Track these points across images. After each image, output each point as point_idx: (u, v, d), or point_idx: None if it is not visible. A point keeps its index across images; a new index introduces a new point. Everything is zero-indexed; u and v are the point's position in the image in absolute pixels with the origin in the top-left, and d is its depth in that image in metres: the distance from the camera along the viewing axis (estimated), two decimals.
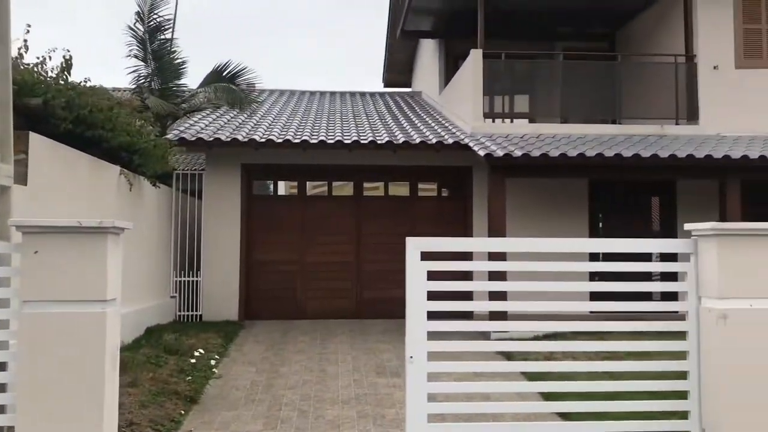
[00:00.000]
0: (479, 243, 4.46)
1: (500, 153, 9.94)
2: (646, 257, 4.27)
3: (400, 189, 12.49)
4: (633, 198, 12.49)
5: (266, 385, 7.84)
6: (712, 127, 11.95)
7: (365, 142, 11.01)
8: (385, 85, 21.78)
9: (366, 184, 12.32)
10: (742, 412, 4.00)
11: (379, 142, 11.01)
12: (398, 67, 20.59)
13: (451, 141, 11.08)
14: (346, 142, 11.00)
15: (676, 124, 12.16)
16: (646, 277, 4.48)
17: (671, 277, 4.59)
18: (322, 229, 12.05)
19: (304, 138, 11.07)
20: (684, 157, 10.02)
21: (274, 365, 8.78)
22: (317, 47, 53.10)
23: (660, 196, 12.48)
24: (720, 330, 4.08)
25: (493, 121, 12.42)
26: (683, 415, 4.30)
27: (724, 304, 4.10)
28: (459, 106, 13.03)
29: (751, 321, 4.07)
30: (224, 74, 12.14)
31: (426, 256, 4.36)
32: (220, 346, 9.47)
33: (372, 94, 18.08)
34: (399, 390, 7.63)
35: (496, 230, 10.19)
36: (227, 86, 11.87)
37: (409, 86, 20.99)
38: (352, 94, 17.97)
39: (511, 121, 13.15)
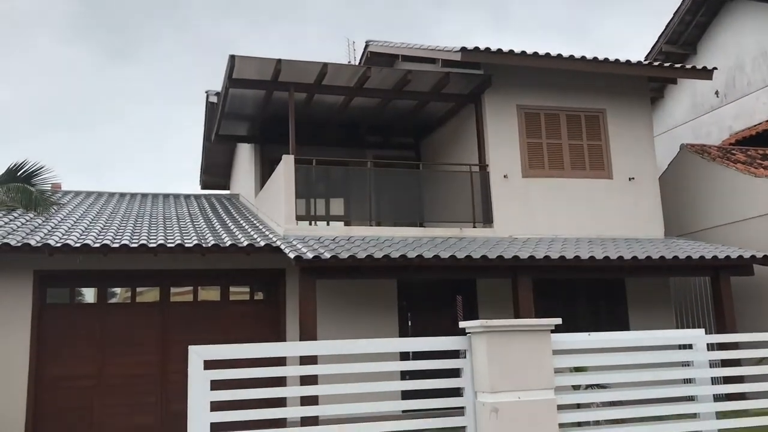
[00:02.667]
0: (261, 348, 4.44)
1: (310, 255, 10.08)
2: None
3: (211, 293, 12.16)
4: (439, 296, 13.11)
5: None
6: (504, 230, 13.01)
7: (172, 245, 10.69)
8: (203, 187, 21.50)
9: (174, 290, 11.86)
10: None
11: (187, 245, 10.74)
12: (216, 169, 20.50)
13: (263, 244, 11.07)
14: (151, 246, 10.61)
15: (474, 227, 13.10)
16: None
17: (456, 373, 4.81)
18: (124, 340, 11.31)
19: (105, 242, 10.53)
20: (479, 258, 10.75)
21: None
22: (137, 144, 51.60)
23: (463, 294, 13.20)
24: (494, 424, 4.31)
25: (311, 224, 12.65)
26: None
27: (495, 398, 4.36)
28: (273, 209, 13.15)
29: (519, 413, 4.35)
30: (19, 174, 11.33)
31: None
32: None
33: (187, 197, 17.75)
34: None
35: (307, 332, 10.16)
36: (22, 186, 11.06)
37: (227, 188, 20.91)
38: (166, 196, 17.53)
39: (327, 224, 13.47)
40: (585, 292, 13.35)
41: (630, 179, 13.90)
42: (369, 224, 12.74)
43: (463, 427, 4.53)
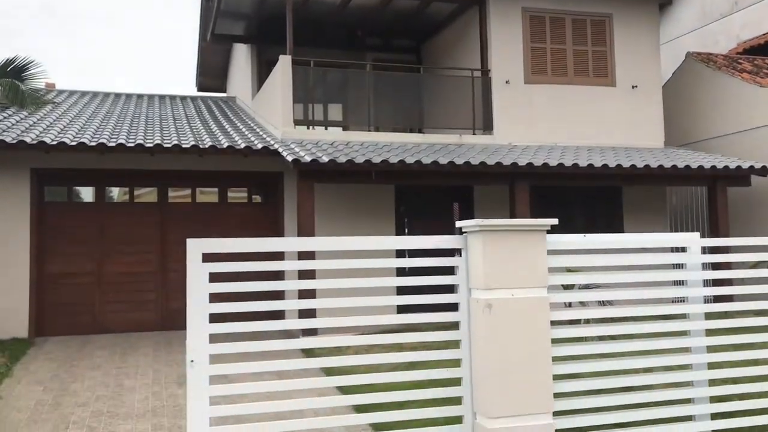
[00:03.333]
0: (260, 243, 4.45)
1: (308, 159, 10.04)
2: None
3: (209, 195, 12.19)
4: (436, 203, 13.14)
5: (53, 404, 7.27)
6: (504, 137, 12.91)
7: (169, 146, 10.62)
8: (199, 89, 21.18)
9: (172, 191, 11.87)
10: (507, 393, 4.34)
11: (184, 146, 10.66)
12: (212, 71, 20.12)
13: (260, 146, 11.00)
14: (147, 145, 10.53)
15: (473, 134, 13.00)
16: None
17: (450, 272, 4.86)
18: (123, 238, 11.42)
19: (101, 141, 10.45)
20: (477, 164, 10.72)
21: (65, 383, 8.17)
22: (127, 46, 50.45)
23: (460, 201, 13.23)
24: (486, 318, 4.40)
25: (308, 128, 12.51)
26: (458, 401, 4.59)
27: (489, 295, 4.43)
28: (270, 112, 12.99)
29: (512, 309, 4.43)
30: (9, 69, 11.12)
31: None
32: (2, 366, 8.65)
33: (183, 98, 17.50)
34: None
35: (305, 234, 10.26)
36: (12, 83, 10.88)
37: (224, 91, 20.59)
38: (161, 97, 17.28)
39: (326, 129, 13.35)
40: (581, 200, 13.39)
41: (633, 87, 13.69)
42: (368, 130, 12.61)
43: (457, 323, 4.64)
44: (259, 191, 12.54)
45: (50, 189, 11.34)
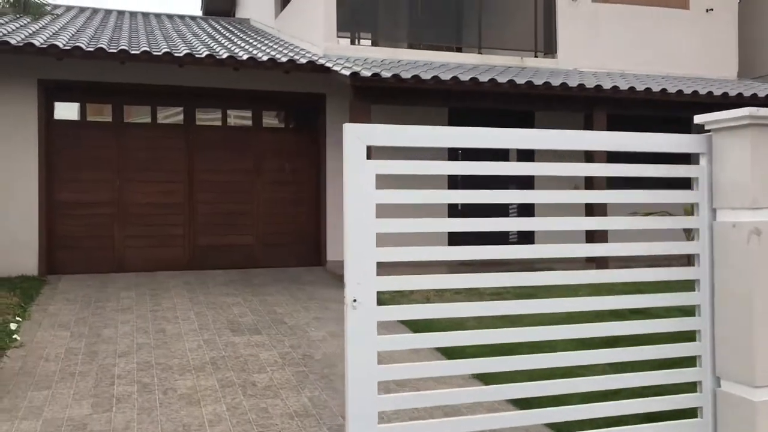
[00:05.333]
0: (449, 132, 3.06)
1: (367, 73, 8.61)
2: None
3: (241, 119, 10.71)
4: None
5: (88, 353, 5.99)
6: (568, 61, 11.54)
7: (201, 56, 9.09)
8: (205, 13, 19.40)
9: (199, 112, 10.38)
10: None
11: (219, 56, 9.14)
12: None
13: (304, 61, 9.51)
14: (176, 54, 8.99)
15: (535, 56, 11.62)
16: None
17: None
18: (145, 164, 9.97)
19: (122, 47, 8.89)
20: (557, 86, 9.36)
21: (95, 328, 6.87)
22: None
23: None
24: (752, 249, 3.13)
25: (353, 43, 10.99)
26: (692, 362, 3.36)
27: (757, 216, 3.16)
28: (305, 27, 11.44)
29: None
30: None
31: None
32: (16, 307, 7.31)
33: (193, 18, 15.78)
34: (264, 350, 6.19)
35: None
36: None
37: (232, 15, 18.83)
38: (169, 16, 15.53)
39: (372, 45, 11.80)
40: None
41: (708, 11, 12.29)
42: (419, 48, 11.14)
43: (689, 257, 3.38)
44: (298, 115, 11.08)
45: (61, 105, 9.79)
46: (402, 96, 9.18)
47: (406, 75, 8.74)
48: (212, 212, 10.19)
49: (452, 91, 9.22)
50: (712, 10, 12.27)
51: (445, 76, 8.91)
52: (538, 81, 9.36)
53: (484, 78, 9.06)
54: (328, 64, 9.37)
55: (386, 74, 8.66)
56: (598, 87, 9.50)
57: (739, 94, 10.31)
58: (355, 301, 2.89)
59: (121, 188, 9.87)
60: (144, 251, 9.90)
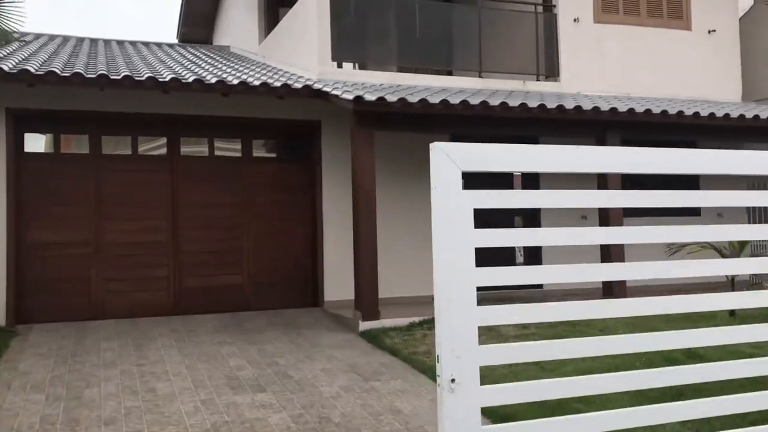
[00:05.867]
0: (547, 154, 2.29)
1: (372, 98, 7.94)
2: None
3: (229, 148, 9.94)
4: None
5: (67, 422, 5.11)
6: (571, 85, 11.02)
7: (188, 81, 8.34)
8: (181, 41, 18.65)
9: (185, 142, 9.59)
10: None
11: (207, 81, 8.40)
12: (198, 20, 17.65)
13: (299, 85, 8.81)
14: (161, 80, 8.23)
15: (537, 80, 11.08)
16: None
17: None
18: (125, 199, 9.13)
19: (101, 72, 8.11)
20: (571, 109, 8.79)
21: (74, 388, 5.98)
22: None
23: None
24: None
25: (349, 68, 10.35)
26: None
27: None
28: (296, 52, 10.78)
29: None
30: None
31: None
32: None
33: (170, 45, 15.03)
34: (273, 412, 5.36)
35: (363, 194, 8.19)
36: None
37: (210, 42, 18.13)
38: (145, 43, 14.77)
39: (364, 70, 11.15)
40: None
41: (710, 32, 11.93)
42: (416, 72, 10.53)
43: None
44: (291, 145, 10.34)
45: (32, 136, 8.94)
46: (408, 122, 8.53)
47: (413, 99, 8.08)
48: (199, 251, 9.36)
49: (460, 116, 8.59)
50: (714, 31, 11.92)
51: (454, 100, 8.28)
52: (550, 104, 8.78)
53: (494, 101, 8.45)
54: (325, 89, 8.68)
55: (392, 98, 8.00)
56: (614, 109, 8.95)
57: (756, 116, 9.85)
58: (453, 381, 2.14)
59: (98, 226, 8.99)
60: (125, 295, 9.00)
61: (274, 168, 9.91)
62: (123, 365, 6.75)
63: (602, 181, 8.93)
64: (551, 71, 11.16)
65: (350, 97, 7.91)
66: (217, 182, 9.52)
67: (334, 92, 8.39)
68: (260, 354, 7.23)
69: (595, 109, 8.88)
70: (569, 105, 9.01)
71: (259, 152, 9.99)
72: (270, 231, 9.71)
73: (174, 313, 9.12)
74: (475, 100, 8.40)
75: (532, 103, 8.62)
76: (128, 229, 9.08)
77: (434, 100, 8.20)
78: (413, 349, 7.29)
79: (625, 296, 9.38)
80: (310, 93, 8.79)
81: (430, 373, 6.36)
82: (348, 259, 9.40)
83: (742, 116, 9.60)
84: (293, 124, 9.81)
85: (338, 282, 9.68)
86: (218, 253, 9.44)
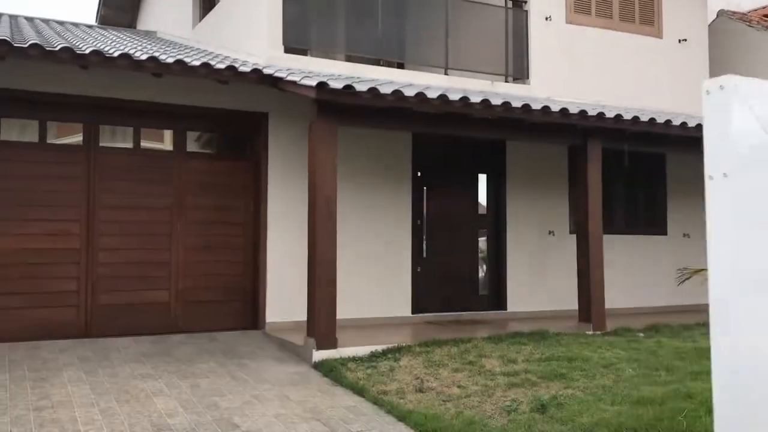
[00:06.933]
0: None
1: (338, 85, 6.71)
2: None
3: (159, 140, 8.46)
4: (458, 170, 10.13)
5: None
6: (542, 88, 10.13)
7: (113, 55, 6.85)
8: (101, 23, 16.84)
9: (105, 130, 8.04)
10: None
11: (136, 57, 6.94)
12: (120, 1, 15.96)
13: (247, 69, 7.46)
14: (79, 52, 6.72)
15: (506, 81, 10.14)
16: None
17: None
18: (27, 197, 7.52)
19: (2, 37, 6.53)
20: (556, 112, 7.84)
21: None
22: None
23: (488, 170, 10.30)
24: None
25: (302, 55, 9.06)
26: None
27: None
28: (239, 35, 9.41)
29: None
30: None
31: None
32: None
33: (89, 26, 13.30)
34: None
35: (322, 196, 6.94)
36: None
37: (134, 27, 16.42)
38: (60, 22, 12.98)
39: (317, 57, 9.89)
40: (625, 171, 10.83)
41: (681, 41, 11.34)
42: (379, 64, 9.37)
43: None
44: (232, 139, 8.95)
45: None
46: (376, 116, 7.35)
47: (386, 90, 6.91)
48: (118, 262, 7.84)
49: (436, 114, 7.50)
50: (685, 40, 11.33)
51: (432, 94, 7.17)
52: (536, 106, 7.80)
53: (476, 99, 7.39)
54: (279, 74, 7.38)
55: (361, 87, 6.80)
56: (600, 114, 8.06)
57: None
58: None
59: None
60: (22, 314, 7.38)
61: (212, 165, 8.49)
62: (17, 408, 5.23)
63: None
64: (520, 73, 10.25)
65: (312, 83, 6.65)
66: (143, 180, 8.04)
67: (291, 78, 7.11)
68: (194, 392, 5.84)
69: (582, 112, 7.98)
70: (555, 108, 8.06)
71: (194, 146, 8.54)
72: (204, 239, 8.30)
73: (85, 335, 7.56)
74: (454, 96, 7.32)
75: (516, 103, 7.61)
76: (29, 233, 7.47)
77: (410, 92, 7.05)
78: (382, 386, 6.08)
79: (604, 321, 8.51)
80: (260, 78, 7.46)
81: (409, 421, 5.18)
82: (296, 273, 8.15)
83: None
84: (235, 115, 8.45)
85: (283, 301, 8.38)
86: (141, 264, 7.94)
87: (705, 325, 8.15)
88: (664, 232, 11.19)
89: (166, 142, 8.38)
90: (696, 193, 11.40)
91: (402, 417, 5.27)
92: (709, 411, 4.73)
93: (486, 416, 5.21)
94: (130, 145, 8.13)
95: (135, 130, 8.13)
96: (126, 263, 7.89)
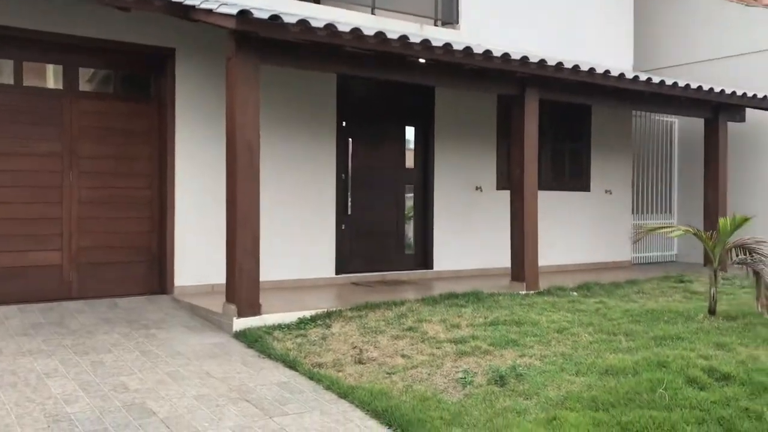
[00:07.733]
0: None
1: (263, 15, 5.83)
2: None
3: (46, 77, 7.23)
4: (384, 121, 9.42)
5: None
6: (472, 34, 9.57)
7: None
8: None
9: None
10: None
11: None
12: None
13: None
14: None
15: (435, 25, 9.51)
16: None
17: None
18: None
19: None
20: (498, 57, 7.28)
21: None
22: None
23: (416, 121, 9.65)
24: None
25: None
26: None
27: None
28: None
29: None
30: None
31: None
32: None
33: None
34: None
35: (245, 148, 6.09)
36: None
37: None
38: None
39: None
40: (550, 124, 10.49)
41: None
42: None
43: None
44: (133, 78, 7.80)
45: None
46: (303, 54, 6.52)
47: (318, 24, 6.08)
48: (0, 218, 6.70)
49: (369, 55, 6.77)
50: None
51: (368, 31, 6.42)
52: (477, 50, 7.20)
53: (415, 39, 6.70)
54: (190, 2, 6.38)
55: (289, 19, 5.94)
56: (542, 61, 7.57)
57: (674, 83, 8.98)
58: None
59: None
60: None
61: (109, 107, 7.36)
62: None
63: None
64: (449, 16, 9.63)
65: (231, 11, 5.73)
66: (27, 123, 6.86)
67: (205, 6, 6.14)
68: (97, 371, 4.98)
69: (524, 58, 7.47)
70: (497, 52, 7.49)
71: (87, 86, 7.38)
72: (102, 192, 7.26)
73: None
74: (393, 35, 6.60)
75: (459, 47, 6.98)
76: None
77: (344, 27, 6.27)
78: (316, 358, 5.42)
79: (537, 280, 8.19)
80: (169, 6, 6.41)
81: (353, 398, 4.56)
82: (209, 231, 7.35)
83: (662, 82, 8.69)
84: (136, 50, 7.34)
85: (194, 262, 7.51)
86: (27, 221, 6.83)
87: (634, 283, 7.97)
88: (587, 188, 11.02)
89: (54, 79, 7.16)
90: (618, 149, 11.39)
91: (344, 394, 4.65)
92: (689, 381, 4.39)
93: (439, 390, 4.67)
94: (11, 81, 6.87)
95: (16, 64, 6.88)
96: (9, 220, 6.75)
